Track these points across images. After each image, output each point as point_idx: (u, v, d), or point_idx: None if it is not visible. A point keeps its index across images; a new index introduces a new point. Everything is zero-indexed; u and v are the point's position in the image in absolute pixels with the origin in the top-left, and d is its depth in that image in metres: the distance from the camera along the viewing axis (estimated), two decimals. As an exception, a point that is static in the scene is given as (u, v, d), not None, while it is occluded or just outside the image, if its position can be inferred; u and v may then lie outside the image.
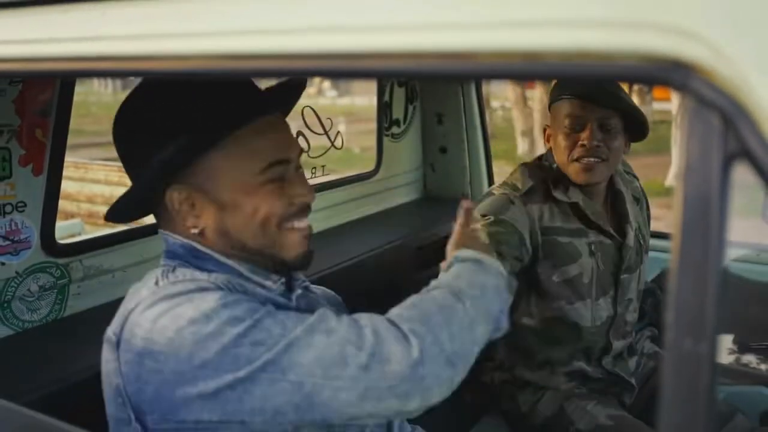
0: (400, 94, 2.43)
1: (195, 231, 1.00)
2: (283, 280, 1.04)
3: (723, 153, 0.51)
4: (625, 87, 1.92)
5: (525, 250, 1.74)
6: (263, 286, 1.01)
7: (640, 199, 1.97)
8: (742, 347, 2.01)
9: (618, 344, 1.86)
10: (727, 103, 0.51)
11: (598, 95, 1.71)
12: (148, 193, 1.02)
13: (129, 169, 1.05)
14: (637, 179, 2.03)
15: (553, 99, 1.81)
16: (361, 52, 0.65)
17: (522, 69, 0.60)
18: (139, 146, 1.02)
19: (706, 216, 0.51)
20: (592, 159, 1.72)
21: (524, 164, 1.88)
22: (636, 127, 1.77)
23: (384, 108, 2.39)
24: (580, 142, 1.72)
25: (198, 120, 0.99)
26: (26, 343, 1.31)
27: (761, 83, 0.50)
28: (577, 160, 1.74)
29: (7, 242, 1.28)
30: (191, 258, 1.01)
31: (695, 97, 0.52)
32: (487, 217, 1.73)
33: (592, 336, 1.82)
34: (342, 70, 0.68)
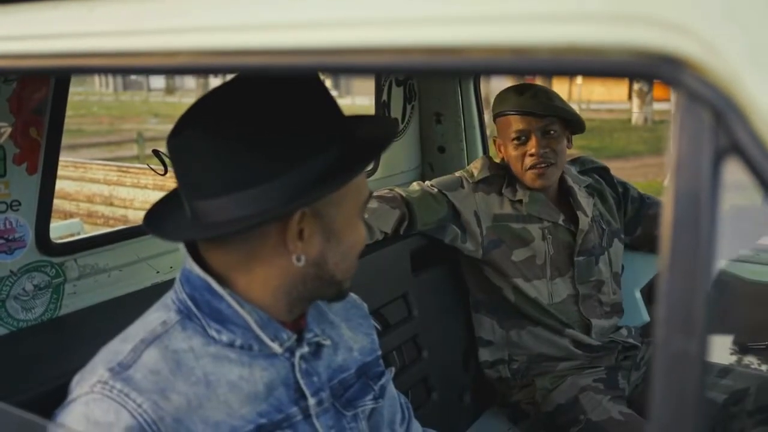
0: (398, 93, 2.43)
1: (300, 262, 0.92)
2: (294, 337, 0.99)
3: (714, 149, 0.51)
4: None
5: (451, 224, 2.03)
6: (268, 347, 0.95)
7: (603, 193, 2.20)
8: (742, 348, 2.01)
9: (600, 322, 2.07)
10: (718, 98, 0.50)
11: (533, 107, 1.97)
12: (276, 216, 0.89)
13: (234, 186, 0.88)
14: (598, 173, 2.24)
15: (496, 113, 2.07)
16: (348, 47, 0.64)
17: (511, 64, 0.59)
18: (267, 156, 0.88)
19: (696, 213, 0.51)
20: (542, 165, 1.98)
21: (487, 156, 2.19)
22: (574, 124, 2.02)
23: (382, 107, 2.39)
24: (528, 152, 1.99)
25: (344, 129, 0.94)
26: (21, 342, 1.30)
27: (753, 78, 0.49)
28: (529, 168, 2.00)
29: (2, 241, 1.28)
30: (206, 293, 0.94)
31: (686, 92, 0.52)
32: (432, 186, 2.07)
33: (556, 312, 2.03)
34: (329, 65, 0.68)
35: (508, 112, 2.01)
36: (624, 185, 2.26)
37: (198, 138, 0.89)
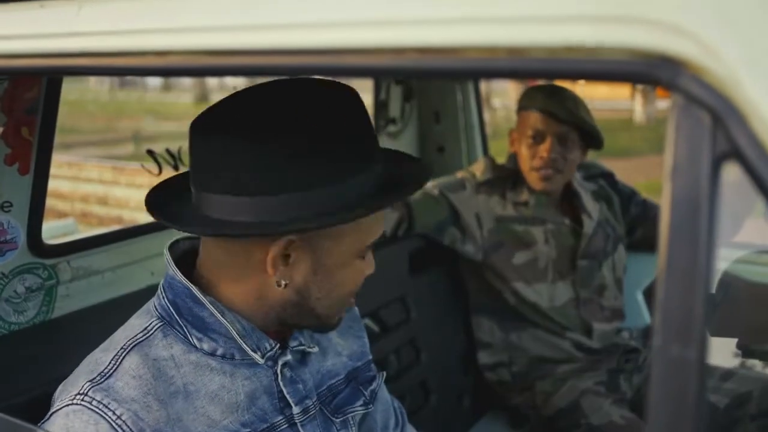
0: (396, 92, 2.41)
1: (281, 286, 0.90)
2: (277, 345, 0.97)
3: (712, 153, 0.49)
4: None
5: (450, 226, 2.01)
6: (249, 358, 0.94)
7: (610, 199, 2.19)
8: (745, 351, 1.99)
9: (601, 326, 2.05)
10: (718, 100, 0.49)
11: (557, 111, 1.92)
12: (258, 233, 0.87)
13: (232, 188, 0.86)
14: (603, 179, 2.23)
15: (520, 107, 2.03)
16: (343, 47, 0.63)
17: (507, 66, 0.58)
18: (269, 168, 0.85)
19: (694, 218, 0.49)
20: (549, 170, 1.96)
21: (490, 158, 2.15)
22: (593, 138, 1.98)
23: (380, 106, 2.37)
24: (539, 154, 1.96)
25: (370, 162, 0.89)
26: (12, 345, 1.29)
27: (753, 81, 0.48)
28: (536, 169, 1.97)
29: (-6, 243, 1.27)
30: (188, 300, 0.92)
31: (684, 95, 0.50)
32: (433, 187, 2.04)
33: (557, 315, 2.01)
34: (323, 66, 0.66)
35: (531, 109, 1.97)
36: (631, 189, 2.26)
37: (214, 135, 0.88)
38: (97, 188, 6.56)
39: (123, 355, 0.89)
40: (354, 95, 0.91)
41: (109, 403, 0.85)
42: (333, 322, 0.99)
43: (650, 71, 0.51)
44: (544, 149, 1.95)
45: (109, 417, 0.84)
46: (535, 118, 1.96)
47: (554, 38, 0.54)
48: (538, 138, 1.96)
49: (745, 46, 0.48)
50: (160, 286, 0.96)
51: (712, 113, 0.49)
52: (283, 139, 0.85)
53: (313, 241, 0.89)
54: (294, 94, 0.89)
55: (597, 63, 0.53)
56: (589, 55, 0.53)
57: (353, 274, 0.95)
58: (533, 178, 2.00)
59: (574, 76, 0.56)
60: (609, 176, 2.24)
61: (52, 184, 1.39)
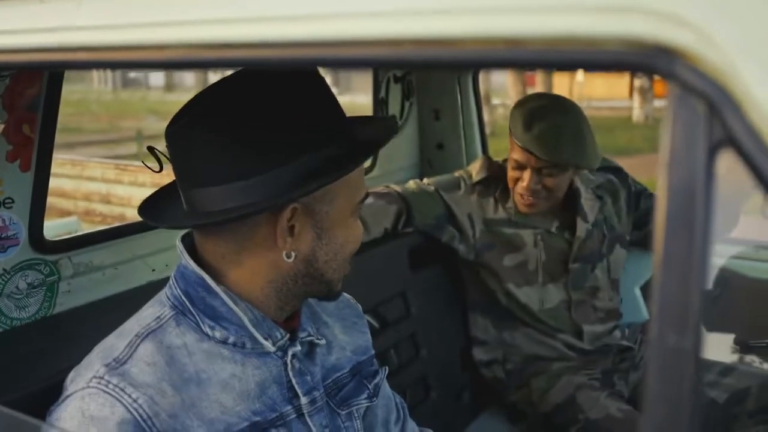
0: (396, 90, 2.41)
1: (290, 258, 0.93)
2: (287, 335, 0.99)
3: (708, 141, 0.50)
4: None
5: (448, 224, 2.01)
6: (261, 346, 0.96)
7: (617, 193, 2.13)
8: (744, 346, 1.99)
9: (592, 328, 2.03)
10: (714, 90, 0.49)
11: (536, 150, 1.83)
12: (264, 209, 0.90)
13: (226, 177, 0.89)
14: (614, 172, 2.19)
15: (510, 122, 1.94)
16: (342, 39, 0.64)
17: (504, 56, 0.58)
18: (259, 149, 0.89)
19: (690, 207, 0.50)
20: (531, 198, 1.93)
21: (487, 158, 2.13)
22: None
23: (380, 104, 2.37)
24: (520, 182, 1.93)
25: (342, 129, 0.95)
26: (14, 341, 1.29)
27: (749, 70, 0.48)
28: (518, 194, 1.95)
29: (-5, 239, 1.27)
30: (201, 290, 0.94)
31: (680, 84, 0.50)
32: (429, 185, 2.06)
33: (547, 318, 2.00)
34: (319, 58, 0.67)
35: (514, 137, 1.90)
36: (642, 186, 2.23)
37: (194, 128, 0.90)
38: (101, 186, 6.57)
39: (137, 342, 0.91)
40: (311, 72, 0.95)
41: (125, 387, 0.86)
42: (338, 288, 1.02)
43: (646, 60, 0.52)
44: (525, 179, 1.90)
45: (126, 400, 0.85)
46: (516, 148, 1.90)
47: (551, 29, 0.54)
48: (519, 168, 1.92)
49: (740, 35, 0.48)
50: (172, 276, 0.98)
51: (708, 102, 0.49)
52: (261, 123, 0.89)
53: (311, 208, 0.92)
54: (256, 82, 0.91)
55: (594, 53, 0.54)
56: (586, 45, 0.53)
57: (352, 232, 0.99)
58: (517, 202, 1.98)
59: (571, 66, 0.56)
60: (619, 170, 2.20)
61: (56, 183, 1.39)
